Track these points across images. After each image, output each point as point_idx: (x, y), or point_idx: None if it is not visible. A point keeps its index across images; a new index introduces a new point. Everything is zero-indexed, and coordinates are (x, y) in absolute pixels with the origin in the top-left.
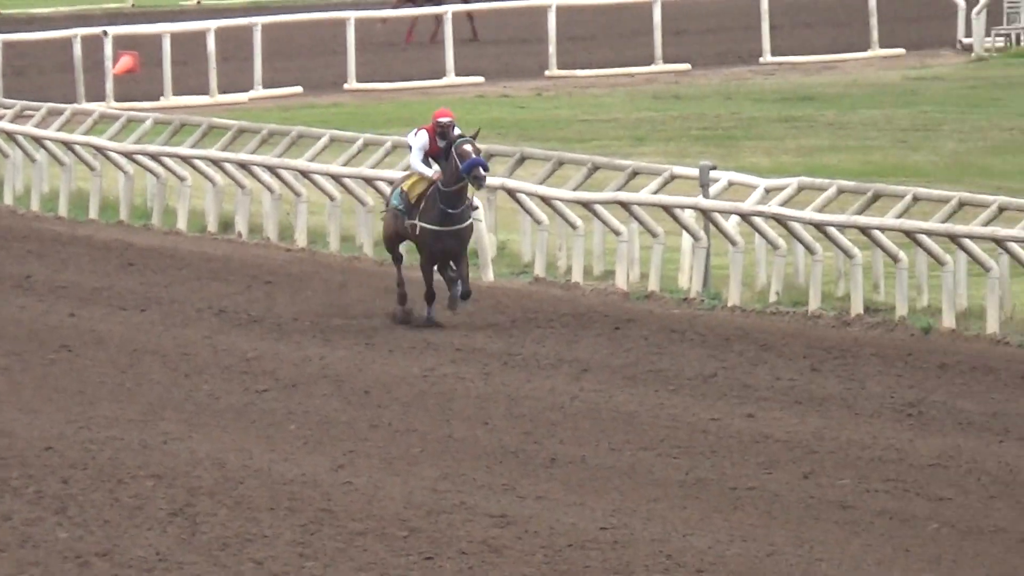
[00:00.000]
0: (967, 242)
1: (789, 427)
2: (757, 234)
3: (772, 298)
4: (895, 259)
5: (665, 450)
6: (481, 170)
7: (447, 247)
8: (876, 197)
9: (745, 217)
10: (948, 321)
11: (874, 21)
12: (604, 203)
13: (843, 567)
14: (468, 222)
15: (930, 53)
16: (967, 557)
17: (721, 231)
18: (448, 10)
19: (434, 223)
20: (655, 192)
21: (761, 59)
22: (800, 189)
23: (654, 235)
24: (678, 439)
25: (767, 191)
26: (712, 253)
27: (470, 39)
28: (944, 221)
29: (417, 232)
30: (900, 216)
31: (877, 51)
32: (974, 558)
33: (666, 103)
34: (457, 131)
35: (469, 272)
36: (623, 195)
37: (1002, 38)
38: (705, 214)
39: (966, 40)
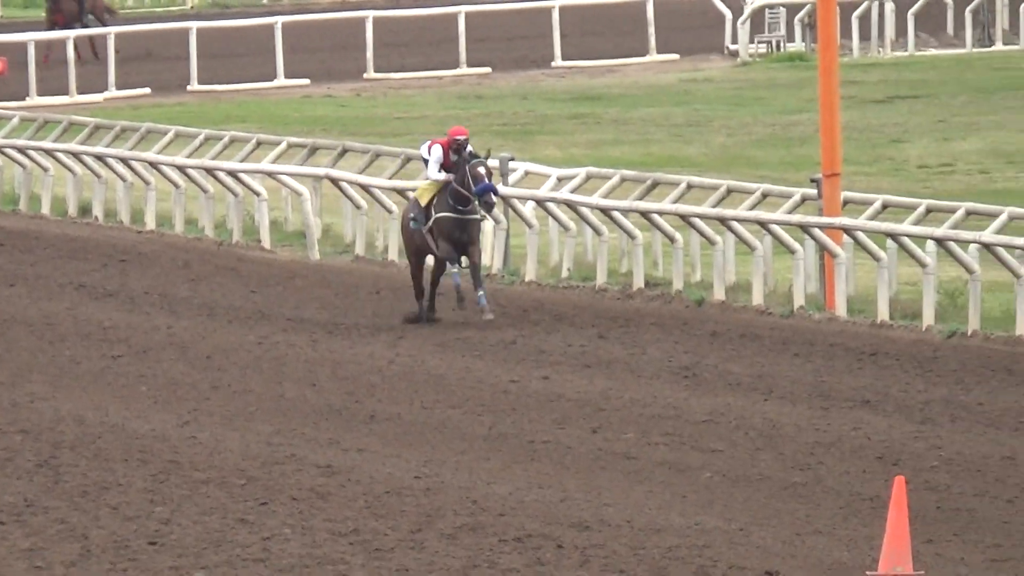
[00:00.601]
0: (735, 224)
1: (579, 387)
2: (550, 217)
3: (564, 274)
4: (672, 239)
5: (471, 408)
6: (492, 196)
7: (462, 237)
8: (655, 185)
9: (540, 203)
10: (719, 294)
11: (652, 30)
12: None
13: (628, 511)
14: (477, 215)
15: (701, 58)
16: (736, 502)
17: (519, 215)
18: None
19: (449, 212)
20: None
21: (553, 63)
22: (588, 178)
23: None
24: (482, 398)
25: (559, 179)
26: (511, 234)
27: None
28: (715, 206)
29: (433, 224)
30: (676, 201)
31: (655, 56)
32: (743, 503)
33: (470, 102)
34: (469, 148)
35: (480, 261)
36: None
37: (764, 44)
38: (505, 200)
39: (733, 46)
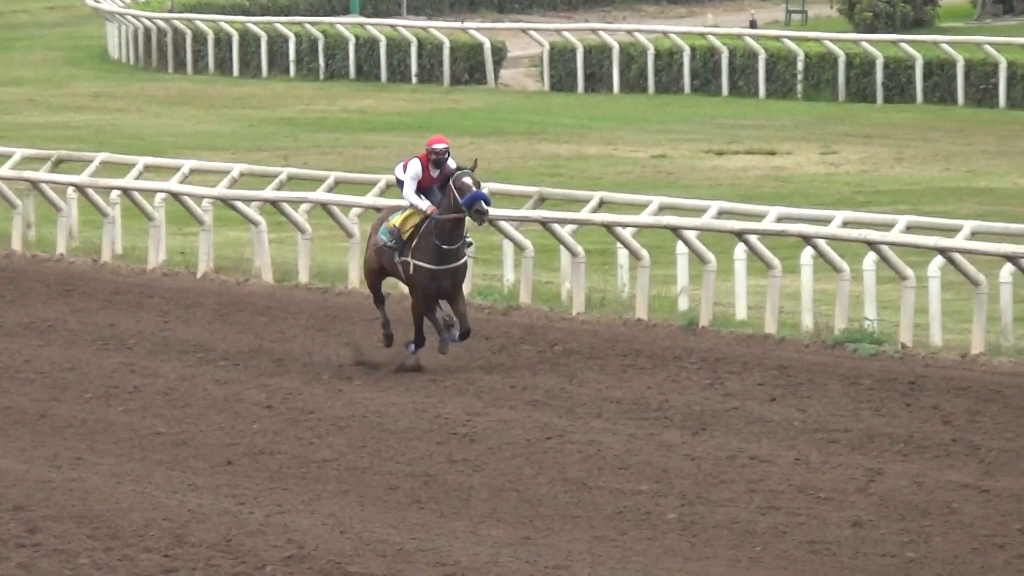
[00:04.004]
0: None
1: None
2: None
3: None
4: None
5: None
6: (483, 204)
7: (443, 287)
8: None
9: None
10: None
11: None
12: None
13: None
14: (464, 260)
15: None
16: None
17: None
18: None
19: (430, 262)
20: None
21: None
22: None
23: None
24: None
25: None
26: None
27: None
28: None
29: (411, 271)
30: None
31: None
32: None
33: None
34: (452, 162)
35: (466, 309)
36: None
37: None
38: None
39: None
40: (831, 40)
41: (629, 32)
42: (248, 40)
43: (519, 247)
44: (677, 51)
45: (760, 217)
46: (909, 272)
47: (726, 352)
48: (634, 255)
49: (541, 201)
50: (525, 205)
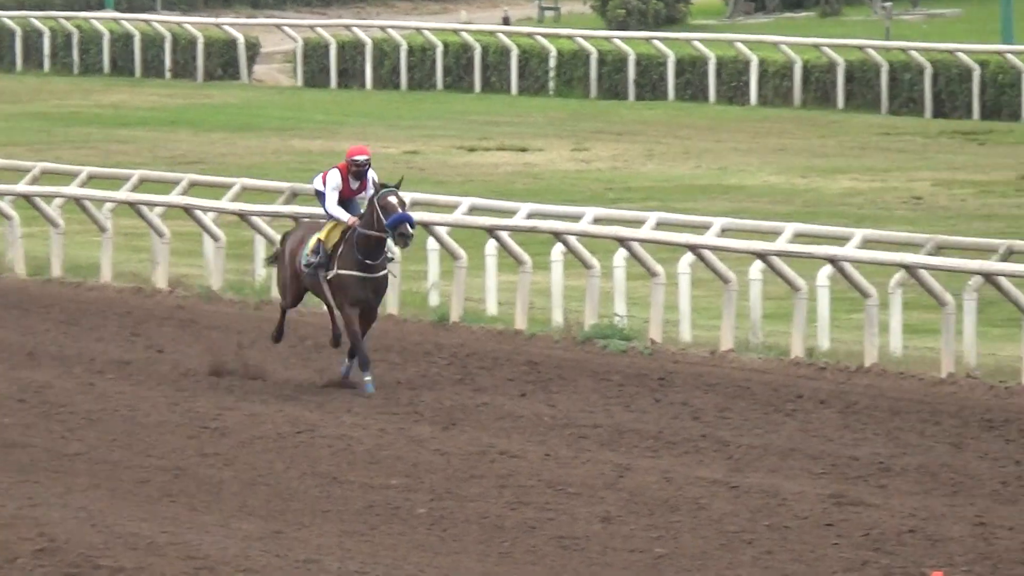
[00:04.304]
0: None
1: None
2: None
3: None
4: None
5: None
6: (408, 227)
7: (367, 297)
8: None
9: None
10: None
11: None
12: None
13: None
14: (385, 272)
15: None
16: None
17: None
18: None
19: (355, 270)
20: None
21: None
22: None
23: None
24: None
25: None
26: None
27: None
28: None
29: (335, 280)
30: None
31: None
32: None
33: None
34: (373, 173)
35: (369, 330)
36: None
37: None
38: None
39: None
40: (583, 37)
41: (382, 28)
42: (2, 34)
43: (271, 242)
44: (430, 47)
45: (511, 213)
46: (659, 269)
47: (477, 348)
48: None
49: (294, 197)
50: (278, 200)
